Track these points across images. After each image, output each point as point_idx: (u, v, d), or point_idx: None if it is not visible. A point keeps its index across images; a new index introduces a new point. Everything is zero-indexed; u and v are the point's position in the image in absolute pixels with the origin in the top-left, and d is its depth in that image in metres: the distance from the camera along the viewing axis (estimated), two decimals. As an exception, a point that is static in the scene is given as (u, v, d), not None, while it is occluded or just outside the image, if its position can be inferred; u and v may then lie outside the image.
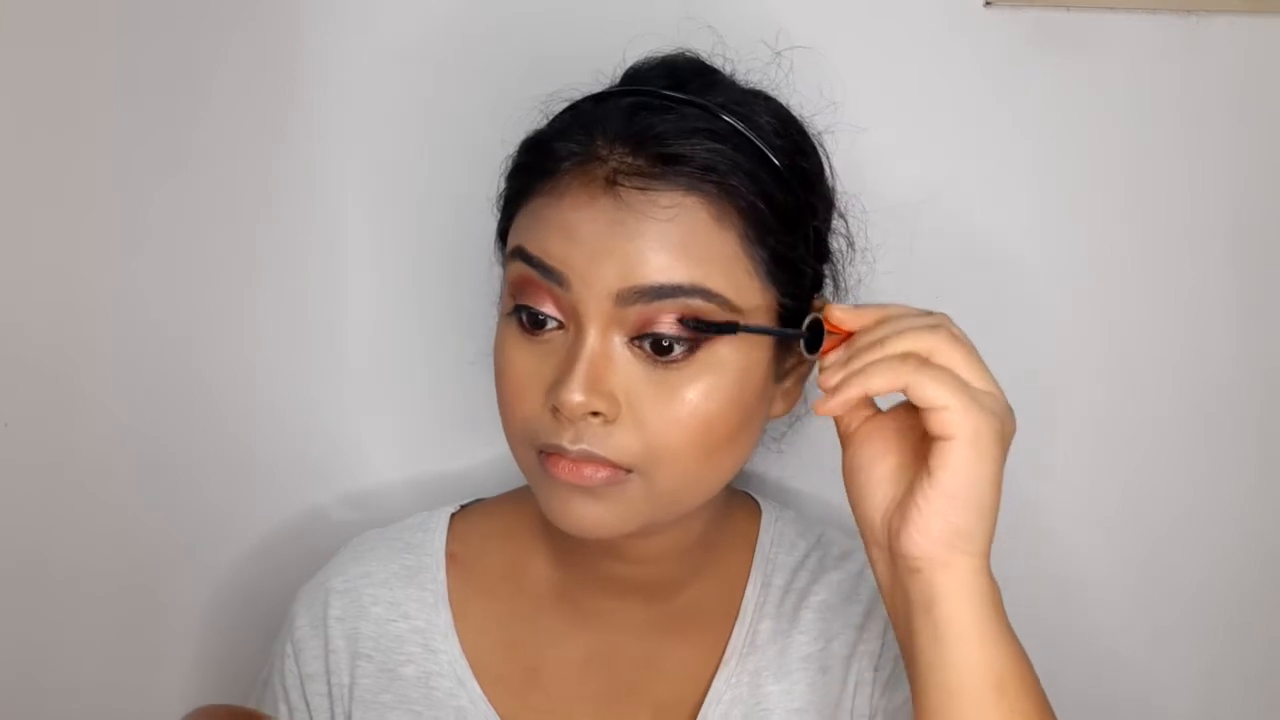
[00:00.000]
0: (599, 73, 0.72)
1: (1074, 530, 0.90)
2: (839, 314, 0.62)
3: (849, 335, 0.62)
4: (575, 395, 0.62)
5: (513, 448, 0.68)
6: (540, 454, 0.65)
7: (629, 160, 0.63)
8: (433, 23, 0.86)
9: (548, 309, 0.64)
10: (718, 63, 0.72)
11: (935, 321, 0.60)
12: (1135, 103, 0.86)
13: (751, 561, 0.77)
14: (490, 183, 0.71)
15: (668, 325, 0.63)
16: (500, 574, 0.77)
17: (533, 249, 0.65)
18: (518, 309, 0.65)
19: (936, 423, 0.58)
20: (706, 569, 0.75)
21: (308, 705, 0.76)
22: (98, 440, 0.90)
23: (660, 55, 0.71)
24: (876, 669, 0.73)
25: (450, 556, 0.78)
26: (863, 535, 0.63)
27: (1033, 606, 0.87)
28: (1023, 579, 0.88)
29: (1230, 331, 0.88)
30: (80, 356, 0.89)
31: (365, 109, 0.87)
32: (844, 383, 0.59)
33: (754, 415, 0.67)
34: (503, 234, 0.70)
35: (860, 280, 0.76)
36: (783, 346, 0.67)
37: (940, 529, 0.58)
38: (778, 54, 0.76)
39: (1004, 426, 0.59)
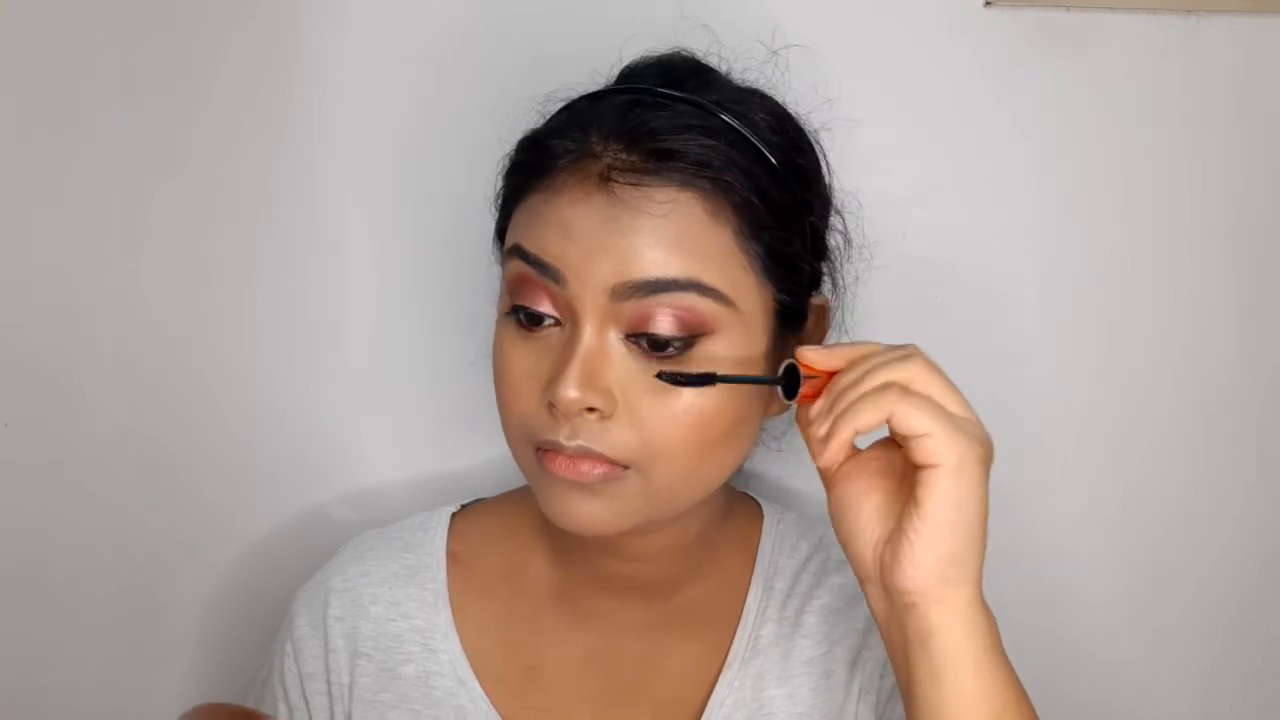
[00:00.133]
0: (596, 72, 0.72)
1: (1074, 530, 0.90)
2: (811, 355, 0.62)
3: (826, 377, 0.62)
4: (570, 391, 0.62)
5: (511, 446, 0.68)
6: (538, 451, 0.65)
7: (623, 157, 0.63)
8: (433, 23, 0.86)
9: (544, 306, 0.64)
10: (714, 62, 0.72)
11: (907, 352, 0.60)
12: (1135, 103, 0.86)
13: (753, 564, 0.77)
14: (490, 182, 0.71)
15: (664, 322, 0.63)
16: (500, 573, 0.77)
17: (529, 246, 0.65)
18: (515, 308, 0.66)
19: (921, 450, 0.58)
20: (706, 569, 0.75)
21: (307, 704, 0.76)
22: (98, 440, 0.90)
23: (656, 54, 0.71)
24: (882, 676, 0.73)
25: (451, 556, 0.78)
26: (856, 573, 0.63)
27: (1032, 607, 0.88)
28: (1023, 580, 0.89)
29: (1230, 331, 0.88)
30: (80, 356, 0.89)
31: (365, 109, 0.87)
32: (834, 427, 0.59)
33: (750, 413, 0.67)
34: (501, 233, 0.70)
35: (858, 278, 0.76)
36: (778, 342, 0.67)
37: (932, 560, 0.58)
38: (774, 53, 0.76)
39: (985, 451, 0.59)
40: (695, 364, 0.63)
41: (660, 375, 0.62)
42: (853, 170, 0.74)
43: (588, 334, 0.63)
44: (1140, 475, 0.89)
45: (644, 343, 0.63)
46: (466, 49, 0.86)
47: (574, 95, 0.70)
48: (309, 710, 0.76)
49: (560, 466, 0.64)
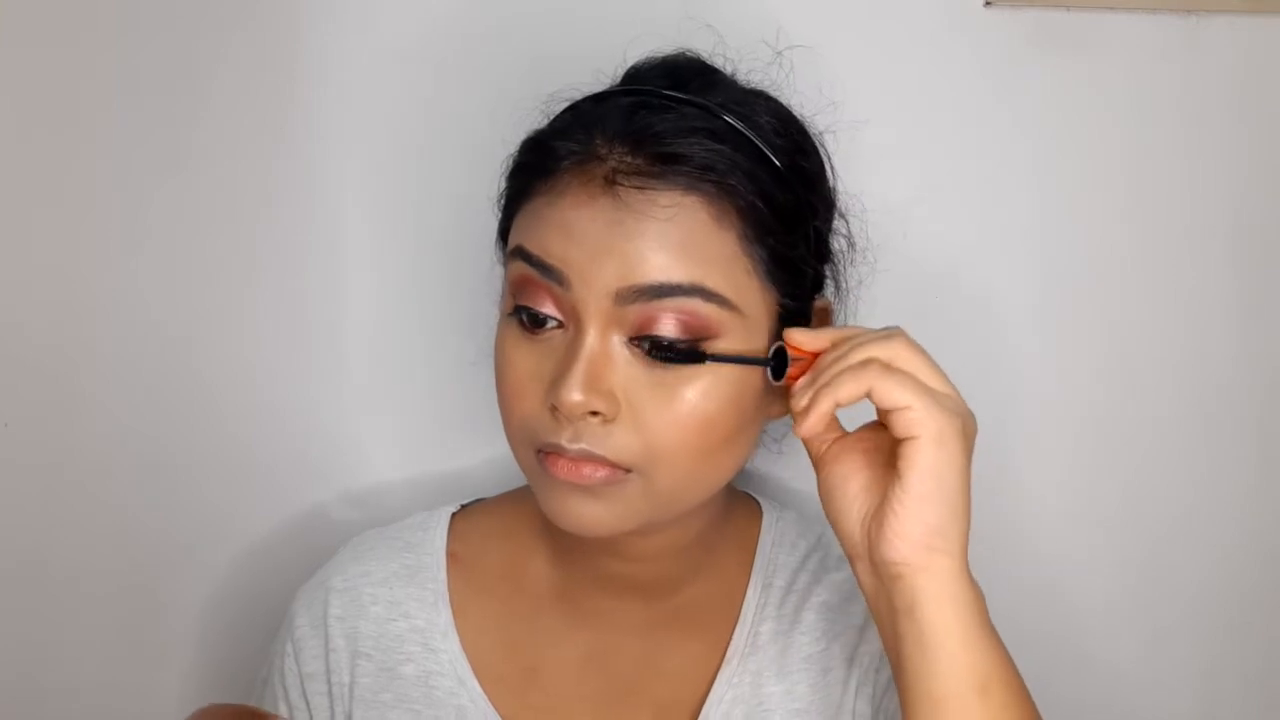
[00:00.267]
0: (600, 73, 0.72)
1: (1074, 530, 0.90)
2: (799, 337, 0.64)
3: (812, 359, 0.64)
4: (574, 394, 0.62)
5: (512, 447, 0.68)
6: (539, 453, 0.65)
7: (628, 160, 0.63)
8: (433, 23, 0.86)
9: (547, 308, 0.64)
10: (718, 63, 0.72)
11: (891, 333, 0.62)
12: (1135, 103, 0.86)
13: (752, 562, 0.77)
14: (490, 183, 0.71)
15: (667, 326, 0.63)
16: (500, 573, 0.77)
17: (532, 248, 0.65)
18: (518, 309, 0.66)
19: (901, 423, 0.59)
20: (706, 568, 0.76)
21: (307, 704, 0.76)
22: (98, 440, 0.90)
23: (661, 55, 0.71)
24: (878, 671, 0.73)
25: (451, 556, 0.78)
26: (845, 551, 0.64)
27: (1032, 606, 0.88)
28: (1022, 579, 0.89)
29: (1230, 331, 0.88)
30: (80, 356, 0.89)
31: (365, 109, 0.87)
32: (814, 398, 0.61)
33: (752, 416, 0.67)
34: (503, 233, 0.70)
35: (861, 281, 0.76)
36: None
37: (917, 531, 0.59)
38: (778, 54, 0.76)
39: (966, 426, 0.61)
40: (699, 368, 0.63)
41: (651, 352, 0.63)
42: (853, 171, 0.74)
43: (591, 337, 0.63)
44: (1140, 475, 0.89)
45: (647, 346, 0.63)
46: (466, 49, 0.86)
47: (578, 95, 0.70)
48: (309, 710, 0.76)
49: (562, 469, 0.64)
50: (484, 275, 0.78)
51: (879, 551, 0.61)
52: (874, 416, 0.64)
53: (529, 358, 0.65)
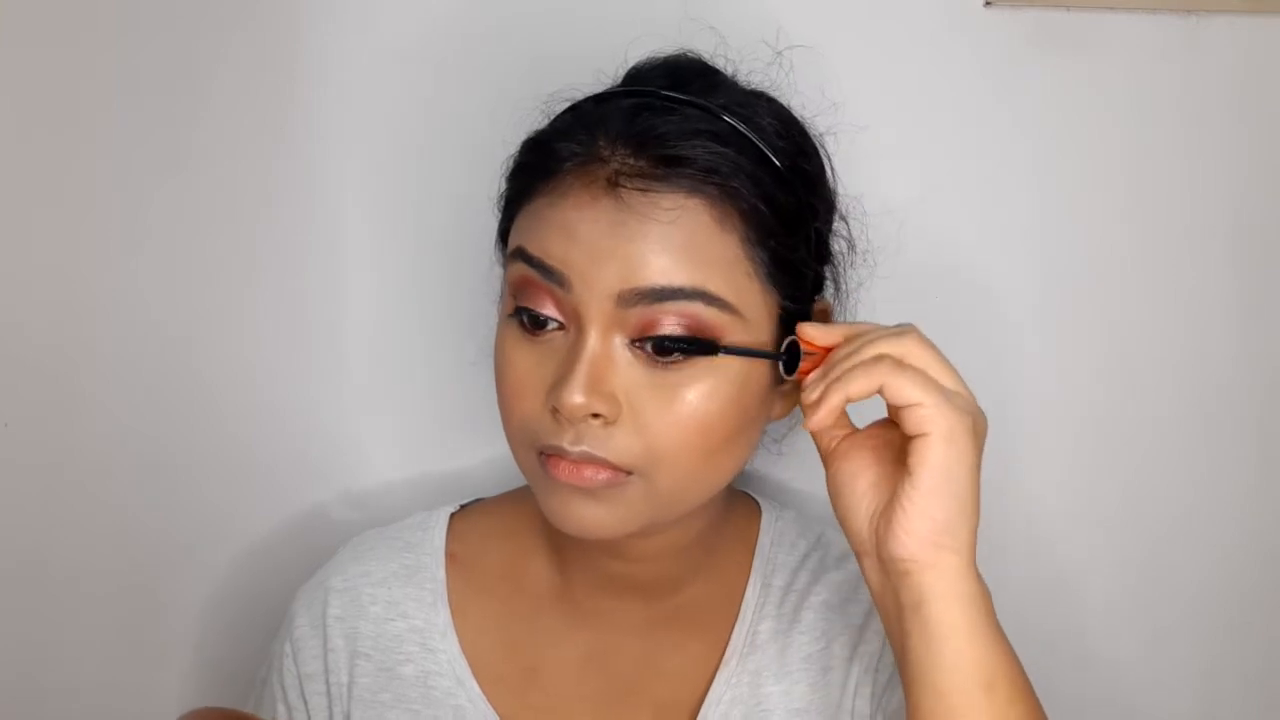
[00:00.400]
0: (600, 73, 0.72)
1: (1074, 530, 0.90)
2: (811, 331, 0.65)
3: (824, 354, 0.64)
4: (576, 397, 0.62)
5: (513, 448, 0.68)
6: (540, 455, 0.65)
7: (631, 162, 0.63)
8: (433, 23, 0.86)
9: (548, 310, 0.64)
10: (719, 63, 0.72)
11: (903, 330, 0.62)
12: (1135, 103, 0.86)
13: (752, 561, 0.77)
14: (490, 183, 0.71)
15: (669, 328, 0.63)
16: (499, 573, 0.77)
17: (533, 249, 0.65)
18: (519, 310, 0.65)
19: (912, 420, 0.59)
20: (706, 568, 0.75)
21: (306, 704, 0.76)
22: (98, 440, 0.90)
23: (662, 55, 0.71)
24: (877, 670, 0.73)
25: (450, 556, 0.78)
26: (853, 547, 0.64)
27: (1033, 606, 0.88)
28: (1023, 579, 0.89)
29: (1230, 331, 0.88)
30: (80, 356, 0.89)
31: (365, 109, 0.87)
32: (825, 393, 0.61)
33: (754, 417, 0.67)
34: (503, 234, 0.70)
35: (861, 283, 0.76)
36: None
37: (925, 528, 0.60)
38: (778, 54, 0.76)
39: (976, 424, 0.61)
40: (700, 370, 0.63)
41: (663, 342, 0.63)
42: (853, 171, 0.74)
43: (593, 339, 0.63)
44: (1140, 475, 0.89)
45: (649, 348, 0.63)
46: (466, 49, 0.86)
47: (579, 95, 0.69)
48: (308, 710, 0.76)
49: (564, 472, 0.64)
50: (484, 275, 0.78)
51: (887, 548, 0.61)
52: (884, 413, 0.63)
53: (529, 359, 0.65)
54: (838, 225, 0.73)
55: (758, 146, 0.65)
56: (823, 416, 0.61)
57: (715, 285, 0.63)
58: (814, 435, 0.65)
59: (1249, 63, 0.85)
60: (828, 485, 0.65)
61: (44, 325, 0.89)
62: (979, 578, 0.61)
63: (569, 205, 0.64)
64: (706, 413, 0.64)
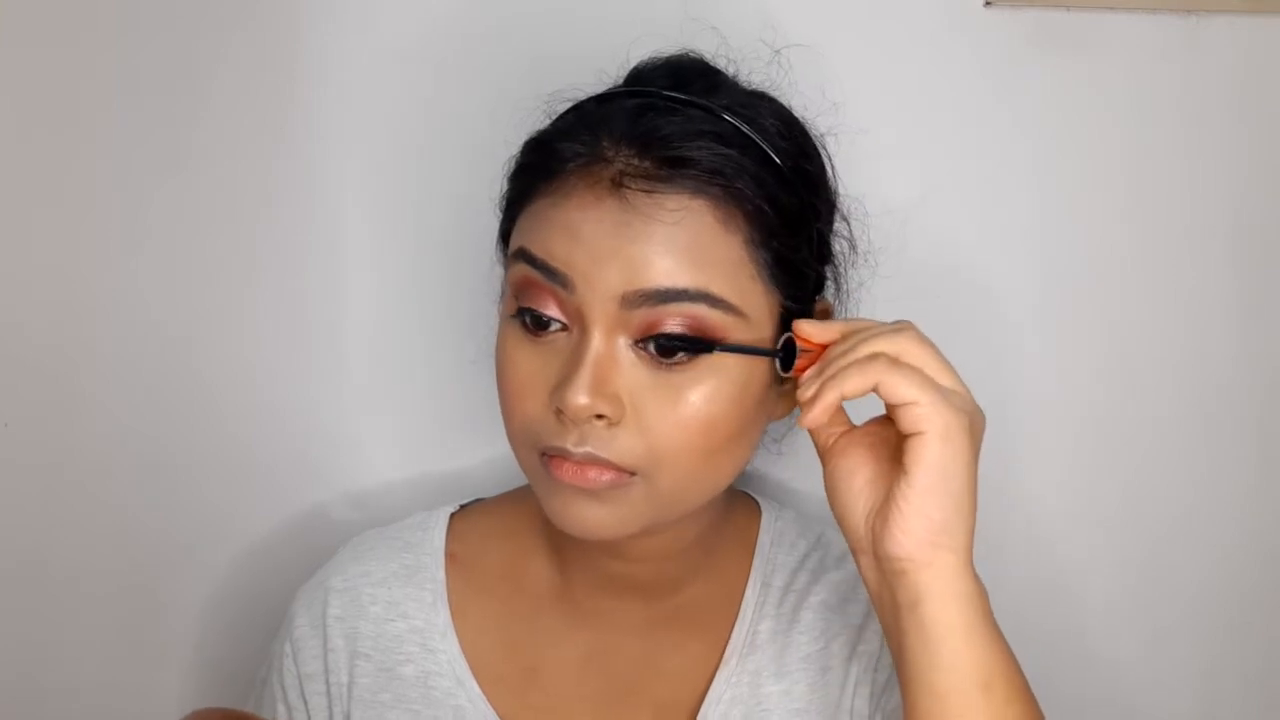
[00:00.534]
0: (602, 73, 0.72)
1: (1074, 530, 0.90)
2: (808, 329, 0.64)
3: (820, 351, 0.64)
4: (580, 398, 0.62)
5: (515, 449, 0.68)
6: (543, 456, 0.65)
7: (635, 162, 0.63)
8: (433, 23, 0.86)
9: (551, 311, 0.64)
10: (720, 64, 0.72)
11: (900, 327, 0.62)
12: (1135, 103, 0.86)
13: (751, 561, 0.77)
14: (490, 183, 0.71)
15: (672, 328, 0.63)
16: (499, 573, 0.77)
17: (536, 250, 0.64)
18: (521, 311, 0.65)
19: (908, 419, 0.59)
20: (706, 568, 0.75)
21: (306, 705, 0.76)
22: (98, 440, 0.90)
23: (664, 56, 0.71)
24: (876, 670, 0.73)
25: (449, 556, 0.78)
26: (850, 545, 0.64)
27: (1032, 606, 0.88)
28: (1023, 579, 0.89)
29: (1230, 331, 0.88)
30: (80, 356, 0.89)
31: (365, 109, 0.87)
32: (820, 390, 0.61)
33: (756, 417, 0.67)
34: (505, 235, 0.70)
35: (862, 283, 0.76)
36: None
37: (921, 526, 0.59)
38: (777, 53, 0.76)
39: (973, 423, 0.60)
40: (703, 371, 0.63)
41: (658, 341, 0.63)
42: (854, 172, 0.74)
43: (596, 340, 0.63)
44: (1140, 475, 0.89)
45: (652, 349, 0.63)
46: (466, 49, 0.86)
47: (581, 95, 0.69)
48: (308, 710, 0.76)
49: (567, 473, 0.64)
50: (484, 275, 0.78)
51: (883, 546, 0.61)
52: (883, 410, 0.63)
53: (532, 360, 0.65)
54: (839, 225, 0.73)
55: (760, 147, 0.65)
56: (817, 414, 0.61)
57: (718, 287, 0.63)
58: (811, 432, 0.65)
59: (1249, 63, 0.85)
60: (825, 482, 0.65)
61: (44, 325, 0.89)
62: (976, 577, 0.61)
63: (572, 206, 0.64)
64: (709, 414, 0.64)
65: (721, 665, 0.74)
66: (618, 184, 0.63)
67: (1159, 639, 0.91)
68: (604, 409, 0.62)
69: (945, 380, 0.60)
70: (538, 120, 0.70)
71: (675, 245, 0.62)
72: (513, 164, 0.70)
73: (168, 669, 0.93)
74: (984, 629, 0.61)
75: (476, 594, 0.77)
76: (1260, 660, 0.92)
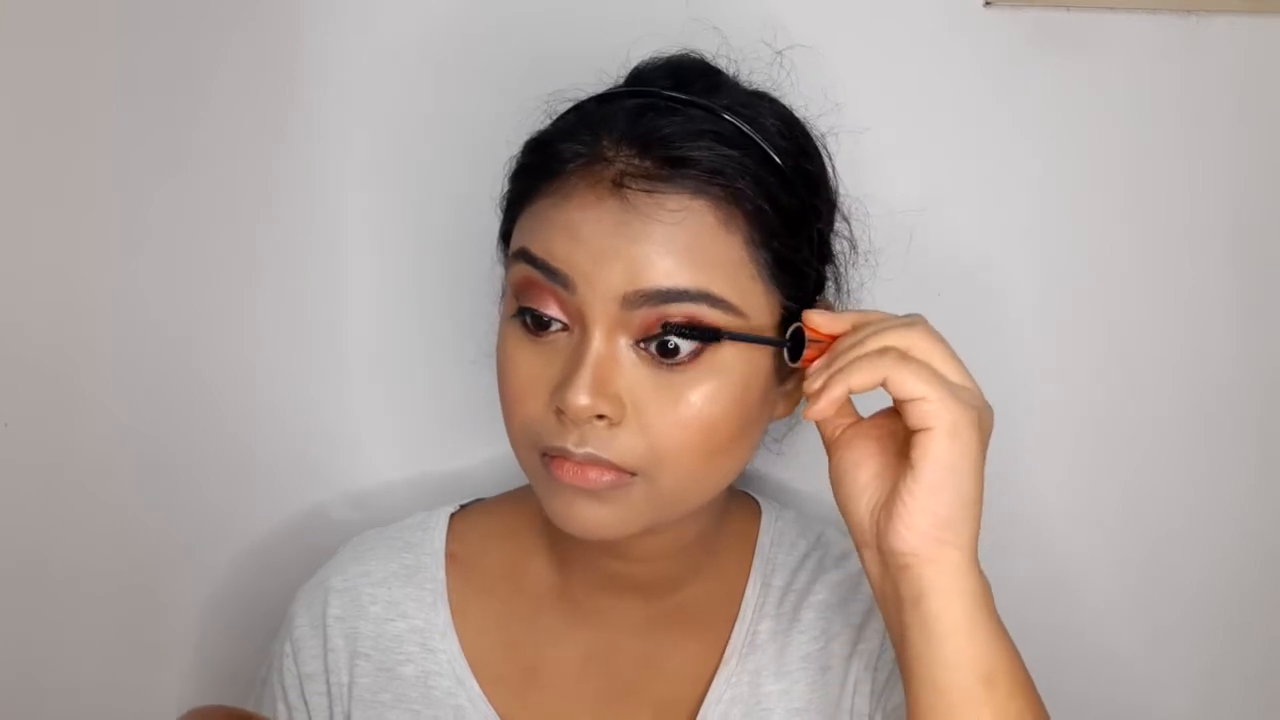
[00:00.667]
0: (602, 73, 0.72)
1: (1074, 530, 0.90)
2: (817, 319, 0.64)
3: (830, 342, 0.64)
4: (581, 398, 0.62)
5: (515, 449, 0.68)
6: (544, 456, 0.65)
7: (636, 162, 0.63)
8: (433, 23, 0.86)
9: (552, 311, 0.64)
10: (721, 64, 0.72)
11: (911, 320, 0.62)
12: (1135, 103, 0.86)
13: (751, 561, 0.77)
14: (491, 183, 0.71)
15: (675, 324, 0.63)
16: (499, 573, 0.77)
17: (537, 250, 0.64)
18: (521, 310, 0.65)
19: (916, 414, 0.59)
20: (706, 568, 0.76)
21: (306, 705, 0.76)
22: (98, 440, 0.90)
23: (665, 56, 0.71)
24: (875, 669, 0.73)
25: (450, 556, 0.78)
26: (854, 538, 0.64)
27: (1033, 606, 0.88)
28: (1023, 579, 0.89)
29: (1230, 331, 0.88)
30: (80, 356, 0.89)
31: (365, 109, 0.87)
32: (827, 383, 0.60)
33: (757, 417, 0.67)
34: (505, 235, 0.70)
35: (862, 283, 0.76)
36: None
37: (926, 522, 0.59)
38: (778, 54, 0.76)
39: (982, 419, 0.60)
40: (704, 371, 0.63)
41: (665, 327, 0.62)
42: (853, 172, 0.74)
43: (597, 340, 0.63)
44: (1140, 475, 0.89)
45: (653, 349, 0.63)
46: (466, 49, 0.86)
47: (581, 95, 0.69)
48: (308, 710, 0.76)
49: (568, 473, 0.64)
50: (484, 275, 0.78)
51: (887, 541, 0.60)
52: (889, 402, 0.63)
53: (532, 360, 0.65)
54: (839, 225, 0.73)
55: (761, 147, 0.65)
56: (823, 407, 0.60)
57: (719, 287, 0.63)
58: (817, 423, 0.65)
59: (1249, 63, 0.85)
60: (830, 474, 0.65)
61: (44, 325, 0.89)
62: (980, 573, 0.61)
63: (573, 206, 0.64)
64: (710, 414, 0.64)
65: (721, 665, 0.74)
66: (618, 184, 0.63)
67: (1159, 639, 0.91)
68: (605, 409, 0.62)
69: (955, 376, 0.60)
70: (538, 120, 0.70)
71: (675, 245, 0.62)
72: (513, 164, 0.70)
73: (168, 669, 0.93)
74: (988, 625, 0.60)
75: (476, 594, 0.77)
76: (1260, 660, 0.92)
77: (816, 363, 0.63)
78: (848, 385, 0.60)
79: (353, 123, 0.87)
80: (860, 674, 0.73)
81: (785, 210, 0.65)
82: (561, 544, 0.75)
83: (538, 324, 0.65)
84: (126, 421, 0.90)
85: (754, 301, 0.64)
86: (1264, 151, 0.86)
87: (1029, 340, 0.88)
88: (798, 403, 0.71)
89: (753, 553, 0.77)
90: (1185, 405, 0.89)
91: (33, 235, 0.88)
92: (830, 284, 0.73)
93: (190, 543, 0.92)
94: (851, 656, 0.74)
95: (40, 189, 0.87)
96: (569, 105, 0.70)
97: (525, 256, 0.65)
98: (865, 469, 0.63)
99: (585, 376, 0.62)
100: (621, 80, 0.71)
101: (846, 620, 0.75)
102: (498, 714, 0.74)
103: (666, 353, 0.63)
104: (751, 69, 0.73)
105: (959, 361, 0.61)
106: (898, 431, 0.62)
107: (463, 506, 0.81)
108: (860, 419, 0.65)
